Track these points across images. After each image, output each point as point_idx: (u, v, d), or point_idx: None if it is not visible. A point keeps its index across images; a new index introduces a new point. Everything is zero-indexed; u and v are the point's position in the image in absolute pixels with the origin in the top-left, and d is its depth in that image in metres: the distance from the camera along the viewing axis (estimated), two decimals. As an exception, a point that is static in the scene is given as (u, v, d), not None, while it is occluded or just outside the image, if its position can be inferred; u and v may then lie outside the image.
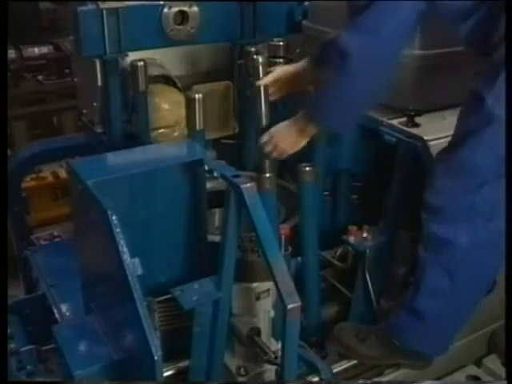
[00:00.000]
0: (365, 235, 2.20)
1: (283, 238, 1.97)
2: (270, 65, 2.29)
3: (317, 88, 1.96)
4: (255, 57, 2.14)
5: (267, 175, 1.98)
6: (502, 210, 1.81)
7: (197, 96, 2.08)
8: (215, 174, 1.78)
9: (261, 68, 2.11)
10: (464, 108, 1.83)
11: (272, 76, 2.08)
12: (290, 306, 1.55)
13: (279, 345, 1.80)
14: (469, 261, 1.90)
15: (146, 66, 2.25)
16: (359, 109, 1.92)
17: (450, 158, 1.85)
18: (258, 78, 2.09)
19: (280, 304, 1.58)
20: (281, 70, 2.10)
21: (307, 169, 2.04)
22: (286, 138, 1.95)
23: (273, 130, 1.98)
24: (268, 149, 1.96)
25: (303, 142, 1.95)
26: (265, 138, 1.98)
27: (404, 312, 2.03)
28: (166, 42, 2.32)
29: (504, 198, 1.78)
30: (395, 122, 2.13)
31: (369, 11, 1.72)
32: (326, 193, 2.44)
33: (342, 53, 1.75)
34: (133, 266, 1.57)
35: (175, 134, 2.43)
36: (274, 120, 2.66)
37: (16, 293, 2.77)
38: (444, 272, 1.92)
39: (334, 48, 1.79)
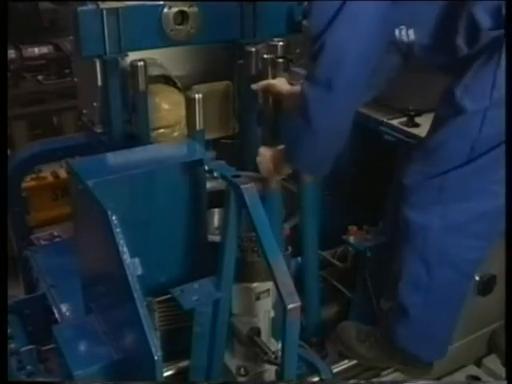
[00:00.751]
0: (365, 235, 2.20)
1: (283, 238, 1.98)
2: (273, 64, 2.30)
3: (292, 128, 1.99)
4: (265, 56, 2.21)
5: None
6: (473, 192, 1.82)
7: (197, 96, 2.08)
8: (215, 174, 1.78)
9: (269, 68, 2.16)
10: (439, 100, 1.85)
11: (262, 85, 2.13)
12: (290, 306, 1.55)
13: (279, 345, 1.80)
14: (443, 245, 1.89)
15: (146, 65, 2.25)
16: (326, 156, 1.94)
17: (424, 144, 1.88)
18: (263, 78, 2.11)
19: (280, 304, 1.59)
20: (275, 85, 2.12)
21: (307, 169, 2.04)
22: (268, 163, 2.02)
23: (262, 149, 2.05)
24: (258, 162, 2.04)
25: (281, 175, 2.04)
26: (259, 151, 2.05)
27: (394, 310, 2.04)
28: (166, 42, 2.32)
29: (476, 181, 1.80)
30: (395, 122, 2.14)
31: (319, 60, 1.75)
32: (325, 193, 2.45)
33: (303, 104, 1.81)
34: (133, 266, 1.57)
35: (175, 134, 2.42)
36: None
37: (16, 293, 2.77)
38: (421, 260, 1.91)
39: (300, 94, 1.84)
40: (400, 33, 1.81)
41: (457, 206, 1.85)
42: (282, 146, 2.00)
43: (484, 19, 1.68)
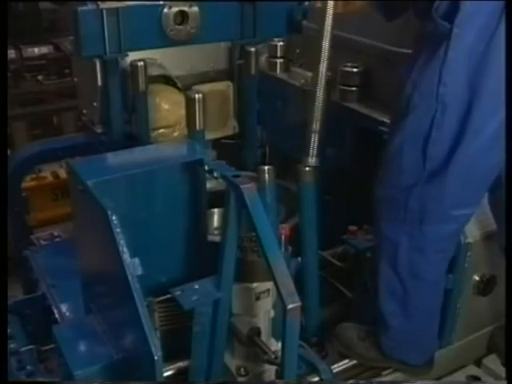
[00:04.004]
0: (365, 235, 2.20)
1: (283, 238, 1.97)
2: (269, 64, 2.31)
3: None
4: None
5: (266, 167, 1.96)
6: (436, 214, 1.81)
7: (197, 96, 2.08)
8: (215, 174, 1.78)
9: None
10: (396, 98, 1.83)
11: None
12: (289, 306, 1.55)
13: (279, 345, 1.80)
14: (413, 263, 1.90)
15: (145, 66, 2.26)
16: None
17: (386, 150, 1.87)
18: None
19: (280, 304, 1.58)
20: None
21: (307, 169, 2.04)
22: None
23: None
24: None
25: None
26: None
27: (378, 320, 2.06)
28: (166, 42, 2.32)
29: (436, 204, 1.79)
30: (395, 122, 2.13)
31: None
32: (325, 193, 2.44)
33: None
34: (133, 266, 1.57)
35: (175, 134, 2.43)
36: (274, 120, 2.69)
37: (16, 293, 2.77)
38: (393, 272, 1.93)
39: None
40: None
41: (421, 228, 1.85)
42: None
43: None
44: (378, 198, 1.90)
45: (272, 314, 1.92)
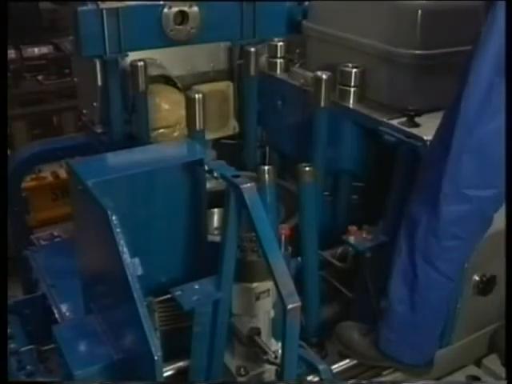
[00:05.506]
0: (365, 235, 2.20)
1: (283, 237, 1.97)
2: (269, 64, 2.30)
3: None
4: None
5: (266, 167, 1.97)
6: (450, 193, 1.84)
7: (197, 96, 2.08)
8: (215, 174, 1.78)
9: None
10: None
11: None
12: (289, 306, 1.55)
13: (279, 345, 1.80)
14: (427, 243, 1.93)
15: (146, 66, 2.26)
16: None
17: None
18: None
19: (280, 304, 1.58)
20: None
21: (307, 169, 2.04)
22: None
23: None
24: None
25: None
26: None
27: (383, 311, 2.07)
28: (166, 42, 2.32)
29: (454, 180, 1.83)
30: (395, 122, 2.13)
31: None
32: (326, 193, 2.45)
33: None
34: (133, 266, 1.57)
35: (175, 134, 2.43)
36: (274, 120, 2.69)
37: (16, 293, 2.77)
38: (409, 258, 1.96)
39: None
40: None
41: (436, 207, 1.87)
42: None
43: None
44: (409, 213, 1.95)
45: (272, 314, 1.92)
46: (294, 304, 1.55)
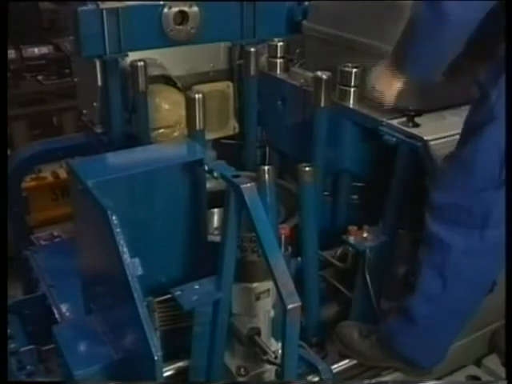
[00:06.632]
0: (365, 235, 2.19)
1: (283, 237, 1.97)
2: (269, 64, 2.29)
3: None
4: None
5: (266, 167, 1.97)
6: (498, 220, 1.82)
7: (197, 96, 2.08)
8: (215, 174, 1.78)
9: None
10: (470, 104, 1.83)
11: None
12: (290, 306, 1.55)
13: (279, 345, 1.80)
14: (462, 266, 1.90)
15: (145, 66, 2.26)
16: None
17: (455, 155, 1.87)
18: None
19: (280, 304, 1.58)
20: None
21: (307, 169, 2.04)
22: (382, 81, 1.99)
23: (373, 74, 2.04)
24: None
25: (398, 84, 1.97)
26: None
27: (398, 315, 2.05)
28: (166, 42, 2.32)
29: (503, 209, 1.79)
30: (395, 122, 2.13)
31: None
32: (325, 193, 2.44)
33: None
34: (133, 266, 1.57)
35: (175, 134, 2.43)
36: (274, 120, 2.69)
37: (16, 293, 2.77)
38: (438, 275, 1.93)
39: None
40: None
41: (481, 231, 1.86)
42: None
43: None
44: (437, 203, 1.90)
45: (272, 314, 1.92)
46: (293, 304, 1.55)
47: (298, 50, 2.67)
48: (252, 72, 2.57)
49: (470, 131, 1.81)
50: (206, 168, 1.84)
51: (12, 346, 2.23)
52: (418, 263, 1.98)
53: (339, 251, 2.38)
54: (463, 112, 1.92)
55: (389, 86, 1.97)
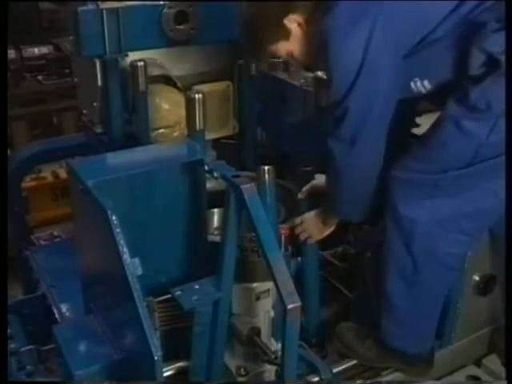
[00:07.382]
0: (365, 235, 2.19)
1: (283, 238, 1.97)
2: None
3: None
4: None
5: (266, 167, 1.97)
6: (466, 190, 1.84)
7: (197, 96, 2.08)
8: (215, 174, 1.78)
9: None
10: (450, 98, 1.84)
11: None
12: (290, 306, 1.55)
13: (279, 345, 1.80)
14: (429, 238, 1.91)
15: (145, 65, 2.25)
16: (358, 202, 2.02)
17: (425, 141, 1.90)
18: None
19: (280, 304, 1.59)
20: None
21: (307, 169, 2.04)
22: (313, 227, 2.11)
23: (304, 216, 2.14)
24: (297, 231, 2.12)
25: (327, 231, 2.12)
26: (297, 221, 2.14)
27: (382, 303, 2.06)
28: (166, 42, 2.32)
29: (470, 180, 1.83)
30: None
31: (345, 121, 1.84)
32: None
33: (331, 157, 1.93)
34: (133, 265, 1.57)
35: (175, 134, 2.43)
36: (274, 120, 2.69)
37: (16, 293, 2.77)
38: (407, 252, 1.94)
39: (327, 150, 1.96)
40: (416, 85, 1.85)
41: (448, 201, 1.87)
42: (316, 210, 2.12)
43: (498, 50, 1.66)
44: (399, 179, 1.92)
45: (272, 314, 1.92)
46: (293, 304, 1.55)
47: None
48: (252, 72, 2.58)
49: (444, 120, 1.83)
50: (206, 168, 1.84)
51: (12, 345, 2.23)
52: (386, 242, 1.98)
53: (339, 251, 2.39)
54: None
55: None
